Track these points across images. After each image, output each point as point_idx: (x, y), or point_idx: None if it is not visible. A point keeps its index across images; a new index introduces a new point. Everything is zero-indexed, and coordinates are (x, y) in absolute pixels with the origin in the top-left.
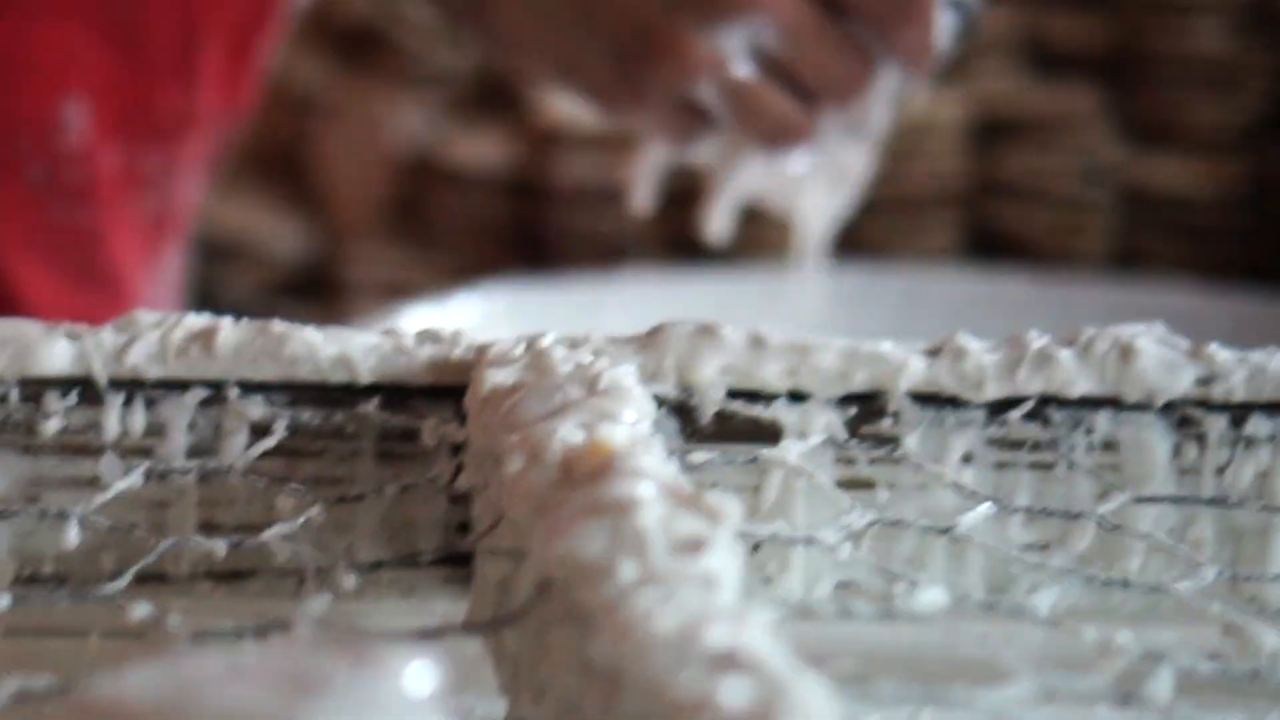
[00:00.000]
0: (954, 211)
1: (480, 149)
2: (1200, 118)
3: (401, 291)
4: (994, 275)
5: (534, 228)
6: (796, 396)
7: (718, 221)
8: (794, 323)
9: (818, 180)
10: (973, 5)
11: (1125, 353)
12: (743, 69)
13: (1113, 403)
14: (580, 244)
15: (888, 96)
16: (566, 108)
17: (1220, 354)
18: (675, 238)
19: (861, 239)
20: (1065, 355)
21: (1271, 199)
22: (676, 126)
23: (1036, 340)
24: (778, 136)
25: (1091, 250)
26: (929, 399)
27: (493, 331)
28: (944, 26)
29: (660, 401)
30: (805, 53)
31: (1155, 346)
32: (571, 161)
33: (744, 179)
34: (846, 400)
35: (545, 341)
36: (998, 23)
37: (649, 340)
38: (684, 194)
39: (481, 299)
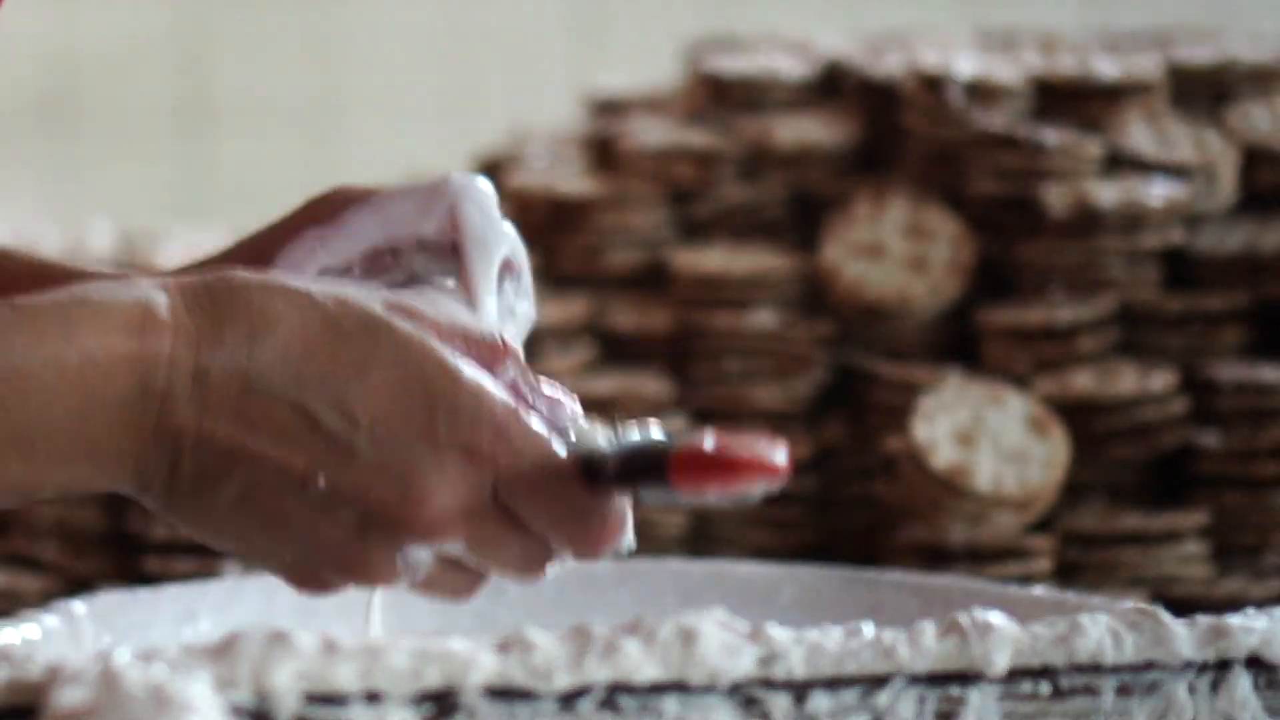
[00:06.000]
0: None
1: None
2: (761, 394)
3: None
4: None
5: (129, 532)
6: (372, 697)
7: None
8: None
9: None
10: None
11: (688, 637)
12: (429, 567)
13: (679, 686)
14: (179, 546)
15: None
16: None
17: (779, 633)
18: None
19: None
20: (630, 643)
21: (831, 465)
22: None
23: (601, 629)
24: (463, 597)
25: (669, 525)
26: (501, 693)
27: (93, 643)
28: (627, 522)
29: (236, 711)
30: (487, 557)
31: (716, 629)
32: None
33: None
34: (423, 698)
35: (117, 658)
36: (567, 310)
37: (223, 649)
38: None
39: (81, 609)
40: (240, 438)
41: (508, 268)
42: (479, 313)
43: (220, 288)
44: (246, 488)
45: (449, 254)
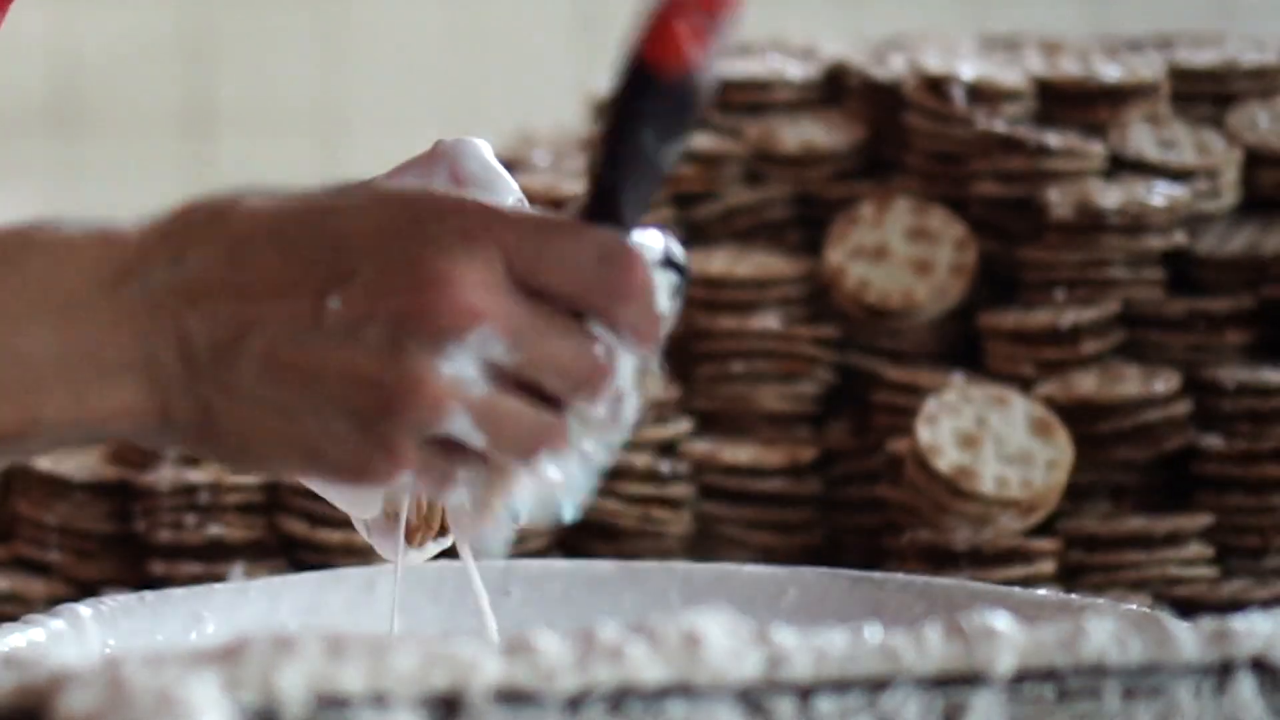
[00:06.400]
0: None
1: (78, 456)
2: (765, 397)
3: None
4: (580, 558)
5: (135, 535)
6: (379, 699)
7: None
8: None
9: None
10: (685, 259)
11: (693, 639)
12: (482, 387)
13: (684, 689)
14: (185, 549)
15: (632, 379)
16: None
17: (784, 636)
18: (281, 539)
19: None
20: (636, 645)
21: (835, 468)
22: (436, 470)
23: (607, 631)
24: (533, 445)
25: (673, 527)
26: (507, 695)
27: (99, 646)
28: (663, 291)
29: (243, 713)
30: (535, 355)
31: (722, 631)
32: (168, 464)
33: (517, 497)
34: (429, 700)
35: (124, 662)
36: None
37: (229, 652)
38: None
39: (87, 613)
40: (239, 306)
41: None
42: None
43: (176, 210)
44: (266, 349)
45: None
